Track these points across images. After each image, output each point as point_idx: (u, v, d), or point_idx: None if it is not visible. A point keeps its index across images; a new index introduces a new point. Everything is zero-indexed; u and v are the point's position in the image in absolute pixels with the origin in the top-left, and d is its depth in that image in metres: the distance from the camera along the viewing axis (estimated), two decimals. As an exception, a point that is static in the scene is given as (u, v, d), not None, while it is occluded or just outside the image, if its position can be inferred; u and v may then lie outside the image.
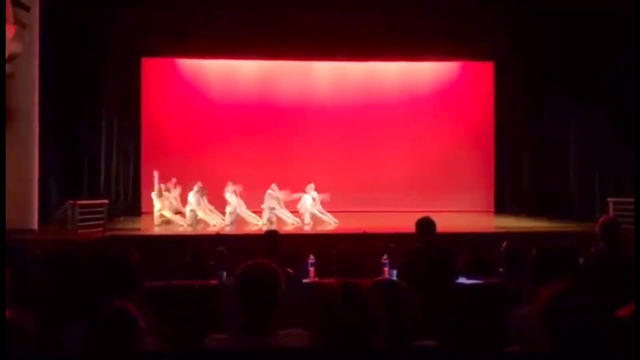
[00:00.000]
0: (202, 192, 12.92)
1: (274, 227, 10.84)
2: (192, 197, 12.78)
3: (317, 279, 5.77)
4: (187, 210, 12.90)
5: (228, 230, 12.26)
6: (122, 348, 2.06)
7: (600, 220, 4.66)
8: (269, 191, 12.86)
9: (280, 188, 13.10)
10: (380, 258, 5.93)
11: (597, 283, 3.89)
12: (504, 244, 5.08)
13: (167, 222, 12.89)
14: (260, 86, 16.78)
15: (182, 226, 12.51)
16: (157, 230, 12.53)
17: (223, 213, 12.94)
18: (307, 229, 12.47)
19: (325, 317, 2.06)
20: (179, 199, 13.46)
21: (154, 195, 13.02)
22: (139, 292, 2.73)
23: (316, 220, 12.90)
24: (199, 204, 12.81)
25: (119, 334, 2.07)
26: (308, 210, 12.89)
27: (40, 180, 11.77)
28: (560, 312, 1.91)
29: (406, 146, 16.57)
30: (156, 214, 12.94)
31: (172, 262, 6.33)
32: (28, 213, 11.30)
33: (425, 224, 5.23)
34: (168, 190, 13.27)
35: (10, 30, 10.06)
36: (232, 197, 12.79)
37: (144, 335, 2.12)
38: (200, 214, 12.83)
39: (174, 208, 13.26)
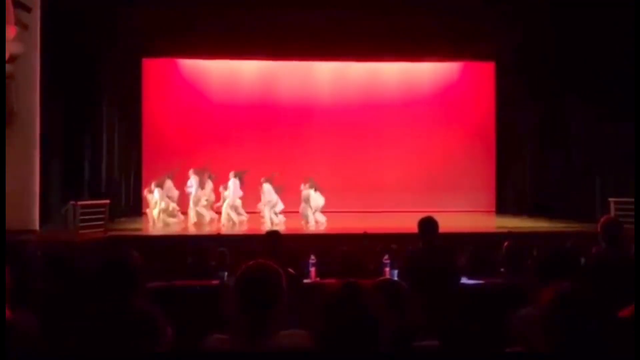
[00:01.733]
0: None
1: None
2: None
3: (318, 279, 5.77)
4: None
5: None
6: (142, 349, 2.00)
7: (602, 220, 4.64)
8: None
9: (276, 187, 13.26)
10: (381, 258, 5.92)
11: (599, 283, 3.89)
12: (505, 244, 5.07)
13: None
14: (261, 86, 16.79)
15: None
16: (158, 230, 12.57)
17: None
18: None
19: (326, 318, 2.05)
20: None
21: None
22: (139, 293, 2.72)
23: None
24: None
25: (141, 336, 1.99)
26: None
27: (42, 180, 11.76)
28: (563, 313, 1.90)
29: (407, 146, 16.57)
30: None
31: (173, 262, 6.33)
32: (29, 213, 11.29)
33: (428, 224, 5.20)
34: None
35: (11, 31, 10.06)
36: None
37: (167, 339, 2.05)
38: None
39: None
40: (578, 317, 1.88)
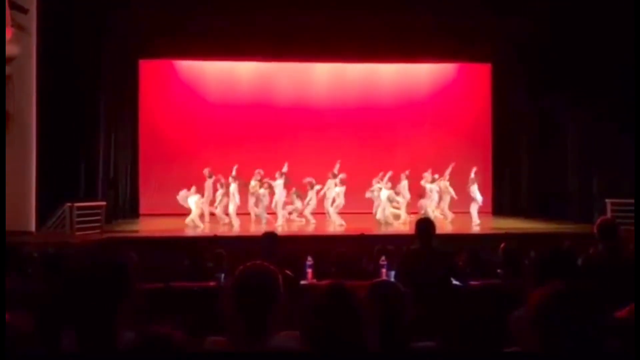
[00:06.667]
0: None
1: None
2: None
3: (315, 280, 5.76)
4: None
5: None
6: None
7: (599, 221, 4.65)
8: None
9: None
10: (378, 260, 5.92)
11: (596, 284, 3.89)
12: (502, 245, 5.07)
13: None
14: (259, 88, 16.77)
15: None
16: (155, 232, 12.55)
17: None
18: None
19: (314, 319, 2.05)
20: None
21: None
22: (132, 296, 2.69)
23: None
24: None
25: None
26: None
27: (38, 182, 11.73)
28: (556, 312, 1.89)
29: (403, 147, 16.56)
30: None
31: (170, 263, 6.32)
32: (26, 215, 11.27)
33: (425, 225, 5.20)
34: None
35: (8, 33, 10.05)
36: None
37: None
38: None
39: None
40: (571, 316, 1.87)
